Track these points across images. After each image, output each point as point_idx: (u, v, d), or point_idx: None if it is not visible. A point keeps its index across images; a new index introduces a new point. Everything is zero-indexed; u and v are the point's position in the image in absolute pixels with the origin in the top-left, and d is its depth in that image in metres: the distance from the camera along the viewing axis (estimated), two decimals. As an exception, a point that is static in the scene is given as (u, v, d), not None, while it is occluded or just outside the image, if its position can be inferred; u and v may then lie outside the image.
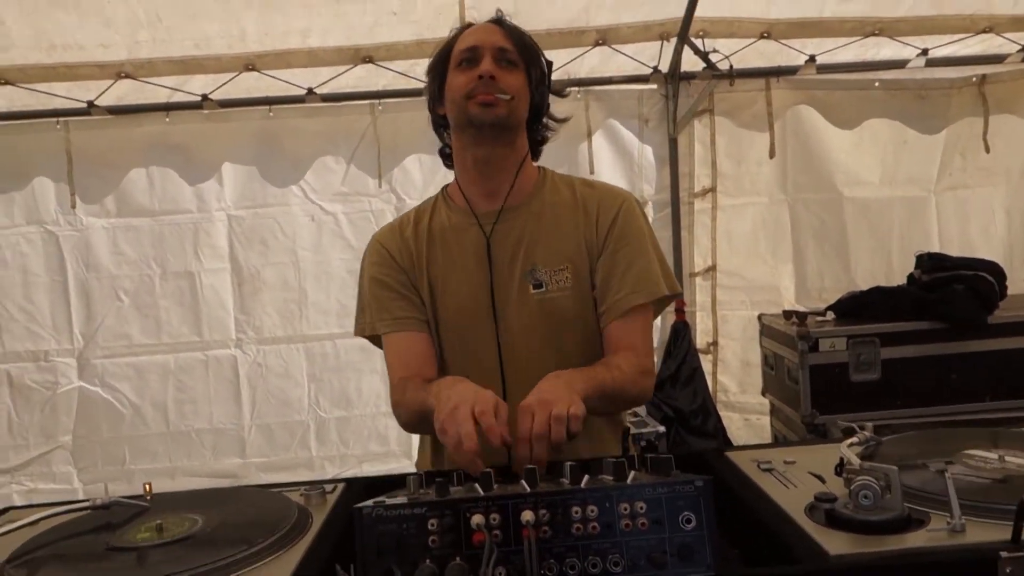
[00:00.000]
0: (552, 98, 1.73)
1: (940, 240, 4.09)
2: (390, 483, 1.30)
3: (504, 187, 1.65)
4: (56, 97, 3.78)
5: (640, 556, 0.96)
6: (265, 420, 4.09)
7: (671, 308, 4.16)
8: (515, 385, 1.55)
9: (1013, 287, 3.40)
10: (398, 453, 4.06)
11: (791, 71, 4.03)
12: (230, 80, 3.74)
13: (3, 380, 4.01)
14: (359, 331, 1.75)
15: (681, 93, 4.10)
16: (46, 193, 3.98)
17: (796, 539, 1.03)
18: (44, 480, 4.04)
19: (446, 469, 1.26)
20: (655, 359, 4.21)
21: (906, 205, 4.16)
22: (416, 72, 3.75)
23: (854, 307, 3.35)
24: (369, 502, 1.00)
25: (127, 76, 3.67)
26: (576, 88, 3.93)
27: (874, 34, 3.79)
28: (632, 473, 1.04)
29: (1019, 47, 3.93)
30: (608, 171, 4.14)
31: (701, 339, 4.28)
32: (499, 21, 1.66)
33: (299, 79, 3.81)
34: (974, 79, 4.09)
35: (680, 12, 3.67)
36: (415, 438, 1.87)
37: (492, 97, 1.55)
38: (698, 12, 3.63)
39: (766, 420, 3.89)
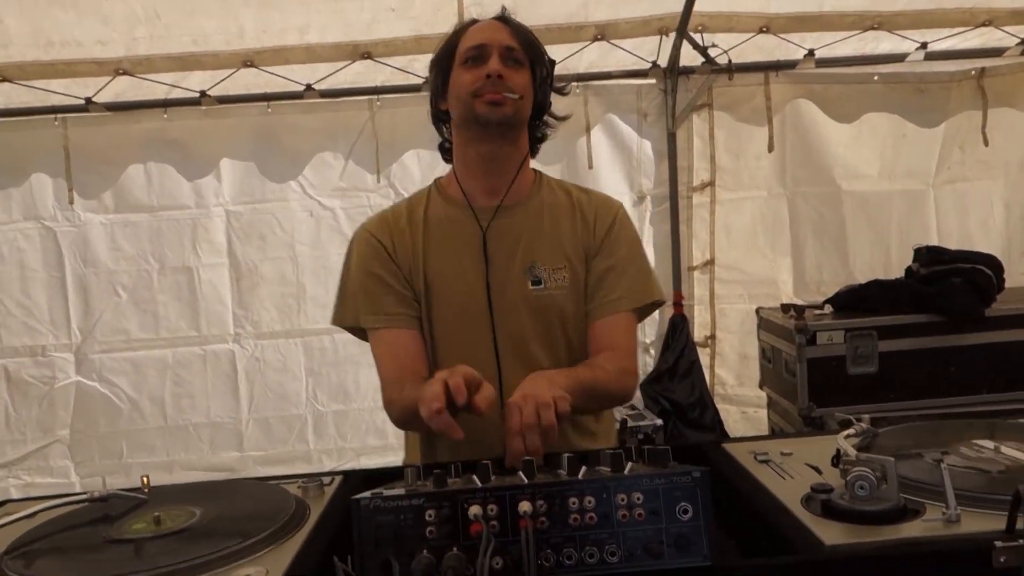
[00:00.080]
0: (552, 95, 1.74)
1: (939, 233, 4.09)
2: (388, 475, 1.30)
3: (504, 184, 1.66)
4: (54, 94, 3.77)
5: (637, 546, 0.96)
6: (263, 414, 4.10)
7: (668, 302, 4.18)
8: (511, 379, 1.54)
9: (1011, 280, 3.40)
10: (396, 447, 4.01)
11: (790, 65, 4.03)
12: (228, 76, 3.74)
13: (0, 375, 4.01)
14: (338, 320, 1.73)
15: (680, 87, 4.10)
16: (44, 189, 3.98)
17: (792, 529, 1.03)
18: (41, 474, 4.05)
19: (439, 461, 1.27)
20: (653, 352, 4.23)
21: (905, 198, 4.16)
22: (414, 68, 3.76)
23: (852, 300, 3.35)
24: (367, 493, 1.00)
25: (125, 73, 3.66)
26: (575, 83, 3.92)
27: (873, 28, 3.78)
28: (629, 464, 1.04)
29: (1018, 40, 3.93)
30: (607, 166, 4.15)
31: (699, 332, 4.29)
32: (505, 19, 1.66)
33: (297, 75, 3.81)
34: (973, 72, 4.09)
35: (679, 7, 3.67)
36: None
37: (500, 96, 1.56)
38: (697, 7, 3.63)
39: (763, 413, 3.89)
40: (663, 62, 4.03)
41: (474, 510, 0.96)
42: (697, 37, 3.84)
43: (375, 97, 3.98)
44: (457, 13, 3.40)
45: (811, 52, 3.94)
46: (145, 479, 1.30)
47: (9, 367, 4.01)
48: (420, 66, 3.77)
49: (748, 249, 4.22)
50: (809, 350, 3.17)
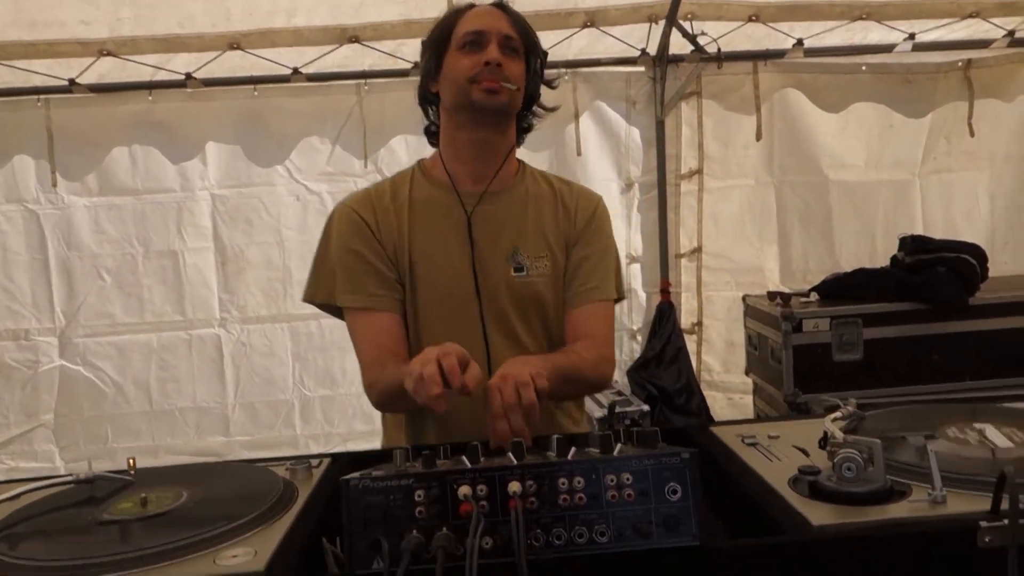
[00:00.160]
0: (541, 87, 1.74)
1: (924, 223, 4.12)
2: (376, 458, 1.30)
3: (491, 171, 1.66)
4: (36, 75, 3.72)
5: (626, 526, 0.96)
6: (249, 399, 4.09)
7: (656, 289, 4.20)
8: (499, 360, 1.54)
9: (994, 269, 3.43)
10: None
11: (779, 54, 4.04)
12: (214, 59, 3.70)
13: (-17, 359, 3.98)
14: (309, 296, 1.70)
15: (669, 75, 4.10)
16: (26, 171, 3.93)
17: (780, 510, 1.04)
18: (25, 459, 4.02)
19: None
20: (640, 339, 4.24)
21: (891, 188, 4.19)
22: (403, 52, 3.73)
23: (838, 288, 3.37)
24: (355, 474, 1.00)
25: (109, 54, 3.62)
26: (564, 70, 3.91)
27: (861, 18, 3.80)
28: (618, 446, 1.04)
29: (1005, 32, 3.96)
30: (595, 152, 4.14)
31: (686, 319, 4.30)
32: (503, 6, 1.65)
33: (284, 58, 3.77)
34: (960, 64, 4.11)
35: (668, -6, 3.66)
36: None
37: (497, 84, 1.55)
38: (687, -6, 3.63)
39: (749, 399, 3.92)
40: (652, 50, 4.02)
41: (464, 490, 0.96)
42: (687, 25, 3.84)
43: (363, 81, 3.96)
44: (446, -2, 3.38)
45: (800, 42, 3.95)
46: (131, 461, 1.29)
47: (-8, 351, 3.98)
48: (408, 51, 3.75)
49: (735, 237, 4.24)
50: (795, 337, 3.19)
